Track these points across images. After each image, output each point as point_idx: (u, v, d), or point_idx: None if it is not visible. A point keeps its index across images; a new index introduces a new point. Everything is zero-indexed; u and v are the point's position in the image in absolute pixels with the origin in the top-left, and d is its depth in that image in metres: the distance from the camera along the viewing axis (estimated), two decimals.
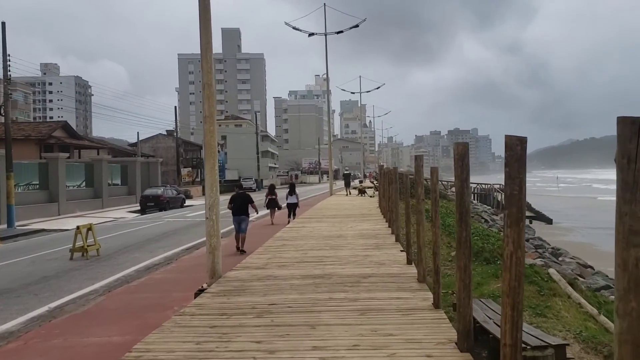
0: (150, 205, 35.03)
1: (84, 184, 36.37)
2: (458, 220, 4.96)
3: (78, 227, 14.38)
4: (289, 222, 19.31)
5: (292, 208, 20.43)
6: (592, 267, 18.63)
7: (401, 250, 11.04)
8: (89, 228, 14.83)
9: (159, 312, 8.35)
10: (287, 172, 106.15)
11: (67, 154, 35.11)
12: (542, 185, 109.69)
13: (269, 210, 20.86)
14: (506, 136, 3.43)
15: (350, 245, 11.94)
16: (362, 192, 36.30)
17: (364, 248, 11.48)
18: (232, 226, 14.67)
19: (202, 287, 8.66)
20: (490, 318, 5.46)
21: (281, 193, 22.68)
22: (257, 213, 16.67)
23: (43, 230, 23.38)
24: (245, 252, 13.13)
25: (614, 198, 2.06)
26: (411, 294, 7.13)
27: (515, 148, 3.40)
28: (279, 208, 21.04)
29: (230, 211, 14.35)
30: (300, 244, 12.46)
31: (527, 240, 22.27)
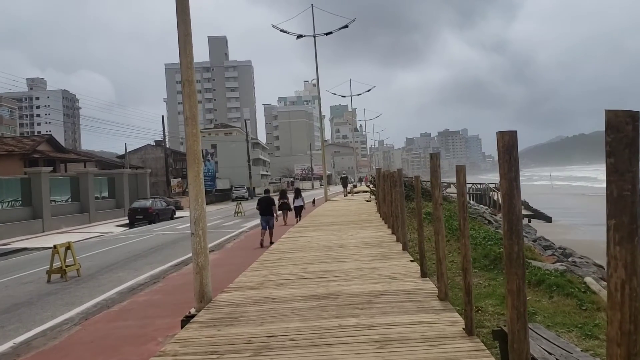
0: (139, 218, 33.81)
1: (70, 198, 35.08)
2: (507, 232, 3.87)
3: (55, 247, 13.18)
4: (297, 221, 21.90)
5: (299, 210, 23.67)
6: (602, 267, 17.63)
7: (411, 261, 9.96)
8: (68, 247, 13.63)
9: (140, 345, 7.23)
10: (280, 179, 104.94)
11: (51, 168, 33.81)
12: (534, 183, 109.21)
13: (281, 212, 22.58)
14: (608, 111, 2.35)
15: (354, 257, 10.83)
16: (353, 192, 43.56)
17: (369, 259, 10.37)
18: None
19: (189, 312, 7.53)
20: (550, 354, 4.36)
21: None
22: (277, 217, 18.27)
23: (25, 249, 22.13)
24: (274, 242, 15.51)
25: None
26: (435, 316, 6.03)
27: (624, 128, 2.32)
28: (290, 210, 23.46)
29: (258, 211, 17.27)
30: (298, 256, 11.33)
31: (535, 241, 21.24)
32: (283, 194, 23.25)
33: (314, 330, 5.77)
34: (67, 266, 13.17)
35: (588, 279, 8.09)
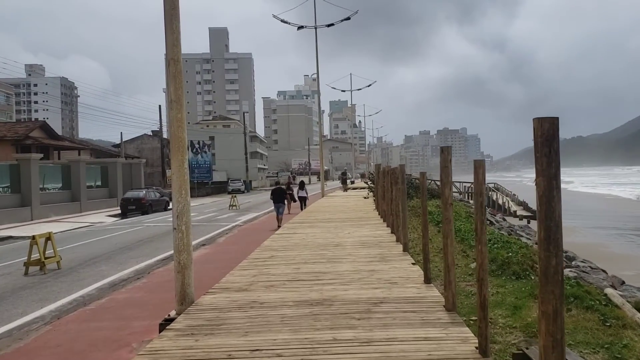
0: (131, 208, 33.02)
1: (61, 187, 34.27)
2: (544, 241, 3.15)
3: (34, 237, 12.45)
4: (301, 210, 24.60)
5: (303, 200, 26.11)
6: (605, 272, 16.96)
7: (412, 264, 9.25)
8: (48, 237, 12.90)
9: (111, 351, 6.52)
10: (277, 173, 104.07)
11: (41, 155, 32.94)
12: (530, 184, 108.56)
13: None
14: None
15: (351, 257, 10.10)
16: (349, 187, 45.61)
17: (367, 260, 9.65)
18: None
19: (169, 315, 6.84)
20: None
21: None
22: (293, 202, 23.12)
23: (10, 237, 21.33)
24: (281, 226, 18.66)
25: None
26: (442, 330, 5.32)
27: None
28: (294, 200, 25.95)
29: (272, 200, 20.56)
30: (291, 255, 10.60)
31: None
32: (288, 186, 25.73)
33: (304, 343, 5.05)
34: (46, 258, 12.43)
35: (609, 291, 7.38)
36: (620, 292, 10.04)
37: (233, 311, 6.39)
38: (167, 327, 5.91)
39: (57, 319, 8.29)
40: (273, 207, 23.59)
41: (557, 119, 3.17)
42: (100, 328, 7.62)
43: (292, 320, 5.84)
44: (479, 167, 4.63)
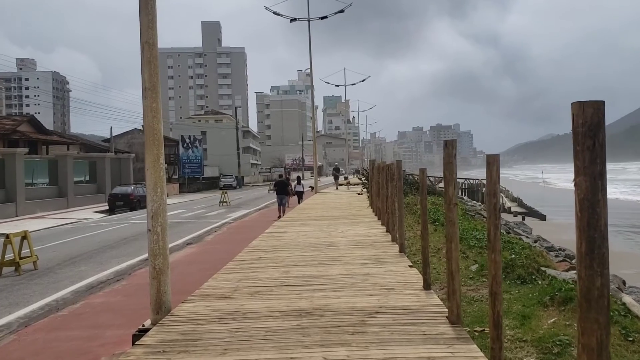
0: (119, 204, 32.31)
1: (47, 182, 33.47)
2: (585, 256, 2.49)
3: (8, 236, 11.75)
4: (299, 203, 25.74)
5: (300, 194, 27.20)
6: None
7: (410, 266, 8.63)
8: (24, 236, 12.20)
9: None
10: (270, 169, 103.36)
11: (26, 149, 32.10)
12: (524, 180, 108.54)
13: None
14: None
15: (344, 259, 9.47)
16: (347, 184, 44.64)
17: (362, 263, 9.02)
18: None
19: (143, 325, 6.18)
20: None
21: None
22: (292, 194, 23.52)
23: None
24: (283, 215, 20.09)
25: None
26: (447, 348, 4.68)
27: None
28: (293, 194, 26.04)
29: (275, 192, 22.13)
30: (280, 257, 9.94)
31: (535, 242, 19.99)
32: (286, 180, 27.14)
33: None
34: (21, 258, 11.73)
35: (627, 299, 6.77)
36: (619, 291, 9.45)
37: (212, 323, 5.73)
38: (136, 343, 5.25)
39: (24, 327, 7.62)
40: (266, 204, 23.79)
41: (602, 103, 2.52)
42: (70, 338, 6.96)
43: (277, 335, 5.19)
44: (493, 163, 3.99)
